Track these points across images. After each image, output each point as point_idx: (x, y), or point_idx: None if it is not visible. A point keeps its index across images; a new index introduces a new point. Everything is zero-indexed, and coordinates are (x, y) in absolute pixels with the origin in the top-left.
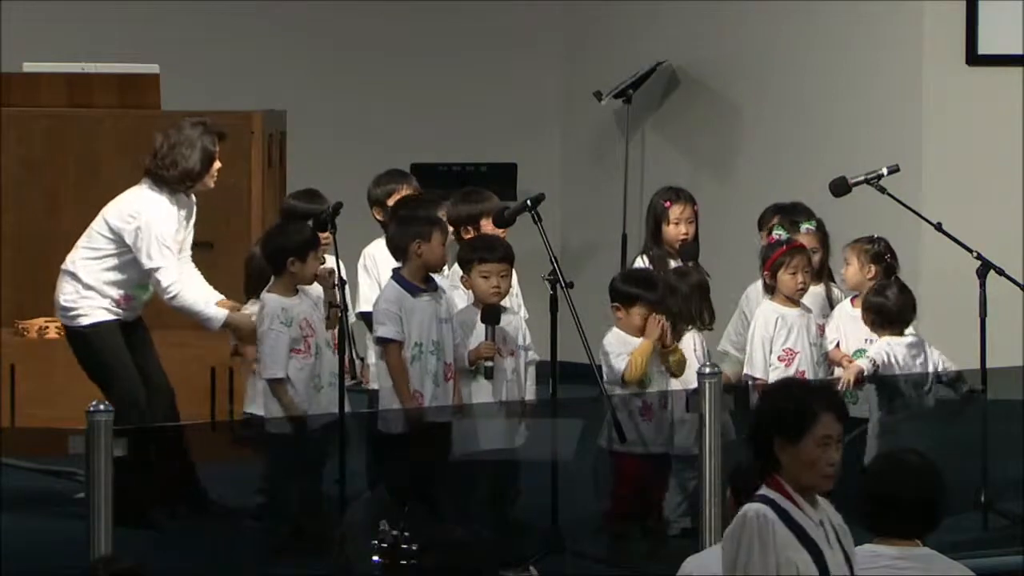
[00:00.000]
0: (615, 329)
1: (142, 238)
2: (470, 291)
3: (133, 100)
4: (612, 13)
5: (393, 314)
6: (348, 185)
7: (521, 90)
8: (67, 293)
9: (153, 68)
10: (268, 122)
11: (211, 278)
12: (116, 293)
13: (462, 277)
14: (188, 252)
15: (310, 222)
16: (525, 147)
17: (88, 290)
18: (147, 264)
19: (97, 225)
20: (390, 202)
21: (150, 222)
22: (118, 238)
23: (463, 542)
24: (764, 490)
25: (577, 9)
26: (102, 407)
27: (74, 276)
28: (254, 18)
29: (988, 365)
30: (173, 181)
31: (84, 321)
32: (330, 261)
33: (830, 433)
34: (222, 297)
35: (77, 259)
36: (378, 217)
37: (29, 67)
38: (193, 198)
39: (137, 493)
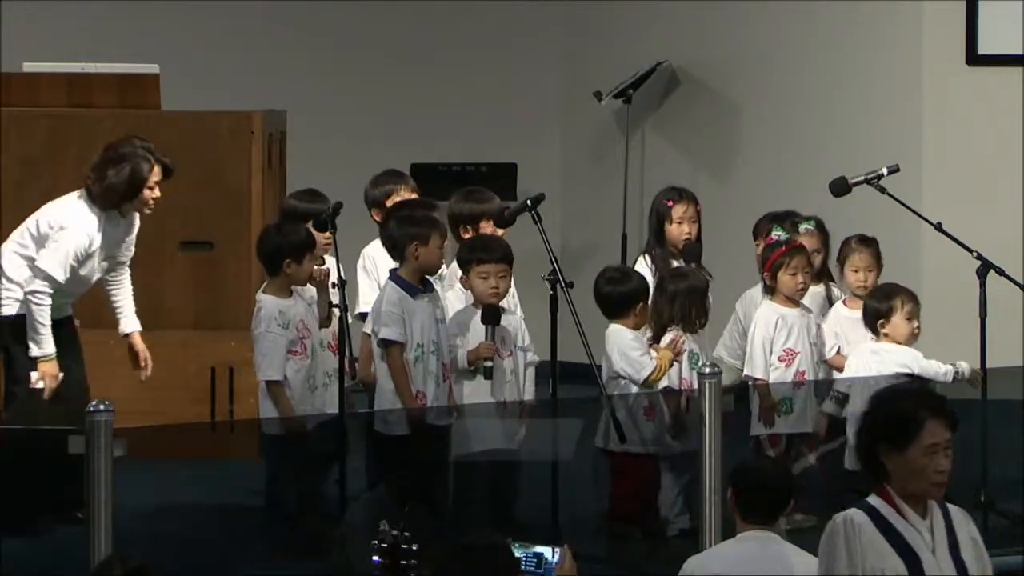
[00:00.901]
0: (620, 326)
1: (53, 240)
2: (468, 291)
3: (133, 100)
4: (612, 13)
5: (396, 316)
6: (348, 185)
7: (521, 90)
8: None
9: (153, 68)
10: (268, 122)
11: (211, 278)
12: None
13: (461, 278)
14: (127, 269)
15: (310, 222)
16: (525, 147)
17: (10, 283)
18: (38, 261)
19: (30, 223)
20: (388, 203)
21: (67, 233)
22: (42, 240)
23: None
24: (870, 498)
25: (577, 9)
26: (102, 407)
27: None
28: (254, 18)
29: (988, 365)
30: (96, 195)
31: (5, 311)
32: (330, 262)
33: (937, 441)
34: (134, 322)
35: (5, 250)
36: (376, 218)
37: (29, 67)
38: (134, 220)
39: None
